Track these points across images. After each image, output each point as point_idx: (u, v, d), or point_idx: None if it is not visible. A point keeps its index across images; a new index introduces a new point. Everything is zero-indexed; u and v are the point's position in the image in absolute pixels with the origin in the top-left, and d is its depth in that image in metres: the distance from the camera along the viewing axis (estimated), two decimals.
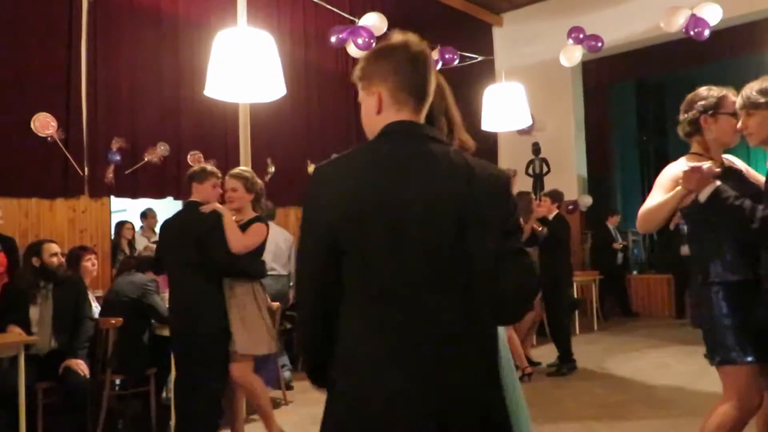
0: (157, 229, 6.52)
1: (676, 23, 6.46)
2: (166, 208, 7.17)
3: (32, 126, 5.51)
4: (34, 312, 4.00)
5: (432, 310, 1.35)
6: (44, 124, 5.59)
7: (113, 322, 4.16)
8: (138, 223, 7.48)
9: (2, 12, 5.47)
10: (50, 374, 3.95)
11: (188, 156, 6.56)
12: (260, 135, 7.14)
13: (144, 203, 7.35)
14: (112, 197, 6.16)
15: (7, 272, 4.54)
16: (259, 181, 3.90)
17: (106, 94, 6.07)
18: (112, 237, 6.41)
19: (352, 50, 6.28)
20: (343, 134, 7.86)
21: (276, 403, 4.79)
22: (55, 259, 4.04)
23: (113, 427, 4.34)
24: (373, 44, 5.96)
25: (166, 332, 4.29)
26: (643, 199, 2.62)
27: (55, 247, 4.08)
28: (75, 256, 4.43)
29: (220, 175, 3.83)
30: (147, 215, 7.58)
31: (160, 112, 6.44)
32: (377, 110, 1.48)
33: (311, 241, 1.43)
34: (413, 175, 1.39)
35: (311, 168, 7.43)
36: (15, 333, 3.80)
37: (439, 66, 7.17)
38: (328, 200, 1.40)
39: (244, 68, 3.86)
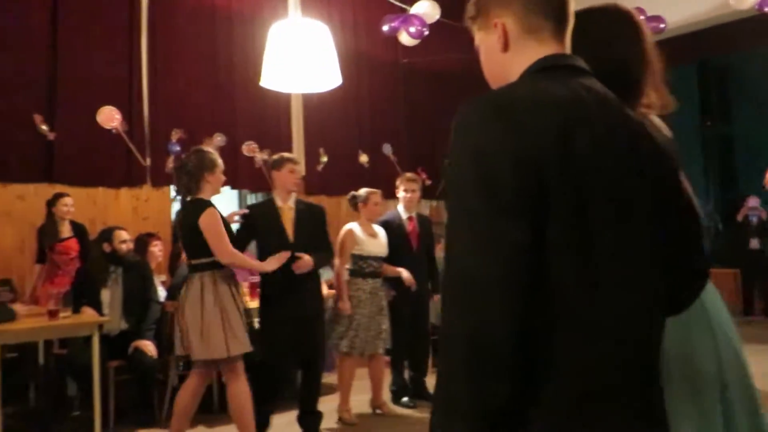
0: None
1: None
2: (223, 196, 7.36)
3: (97, 119, 5.77)
4: (105, 295, 4.23)
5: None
6: (109, 117, 5.83)
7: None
8: None
9: (69, 11, 5.73)
10: (120, 353, 4.17)
11: (243, 146, 6.74)
12: (313, 125, 7.31)
13: None
14: (172, 186, 6.39)
15: (79, 257, 4.79)
16: None
17: (166, 87, 6.29)
18: (173, 224, 6.65)
19: (404, 39, 6.32)
20: (394, 125, 7.93)
21: (331, 388, 4.92)
22: (124, 246, 4.25)
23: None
24: (426, 33, 6.00)
25: None
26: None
27: (124, 234, 4.29)
28: (142, 242, 4.64)
29: (297, 161, 3.94)
30: None
31: (216, 103, 6.63)
32: (503, 47, 1.12)
33: (499, 204, 0.90)
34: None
35: (363, 157, 7.55)
36: (89, 314, 4.02)
37: None
38: (529, 141, 0.92)
39: (299, 59, 3.96)
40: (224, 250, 3.34)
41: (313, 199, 7.31)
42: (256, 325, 4.92)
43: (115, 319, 4.17)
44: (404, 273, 4.45)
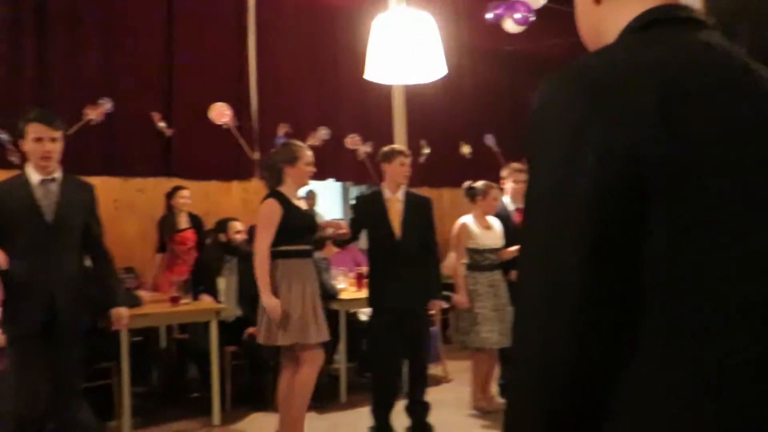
0: (318, 210, 6.91)
1: None
2: (327, 188, 7.52)
3: (210, 115, 6.03)
4: (221, 283, 4.41)
5: None
6: (220, 113, 6.08)
7: None
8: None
9: (183, 15, 6.01)
10: (236, 339, 4.34)
11: (346, 139, 6.84)
12: (415, 117, 7.30)
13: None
14: None
15: (196, 247, 5.03)
16: None
17: (272, 83, 6.48)
18: None
19: (509, 26, 6.19)
20: (497, 115, 7.79)
21: (436, 380, 4.91)
22: (238, 236, 4.41)
23: None
24: (531, 19, 5.84)
25: (334, 306, 4.57)
26: None
27: (238, 225, 4.46)
28: (255, 232, 4.80)
29: (408, 153, 3.96)
30: (309, 196, 8.00)
31: (321, 98, 6.77)
32: None
33: (576, 200, 0.72)
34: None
35: (465, 149, 7.47)
36: (207, 301, 4.21)
37: None
38: (622, 126, 0.72)
39: (403, 50, 3.96)
40: (258, 245, 3.42)
41: (414, 191, 7.34)
42: (363, 317, 5.02)
43: (231, 307, 4.34)
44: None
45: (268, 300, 3.31)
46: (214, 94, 6.08)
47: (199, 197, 5.91)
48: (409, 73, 4.19)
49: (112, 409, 3.91)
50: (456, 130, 7.56)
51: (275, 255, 3.40)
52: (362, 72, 4.05)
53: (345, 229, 3.81)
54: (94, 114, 5.53)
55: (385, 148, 4.03)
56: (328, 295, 4.48)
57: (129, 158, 5.77)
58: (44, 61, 5.43)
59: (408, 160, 3.92)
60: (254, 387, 4.50)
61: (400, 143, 7.30)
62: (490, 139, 7.66)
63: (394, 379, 3.91)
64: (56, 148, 2.90)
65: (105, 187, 4.84)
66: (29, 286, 2.81)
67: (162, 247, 5.17)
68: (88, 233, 3.03)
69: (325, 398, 4.54)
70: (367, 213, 3.87)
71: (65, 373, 2.89)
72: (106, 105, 5.61)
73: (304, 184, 3.63)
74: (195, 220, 5.13)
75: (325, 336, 3.45)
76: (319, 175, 6.83)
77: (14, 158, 5.28)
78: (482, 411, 4.32)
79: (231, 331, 4.36)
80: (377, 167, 6.95)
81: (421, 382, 3.95)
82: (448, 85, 7.31)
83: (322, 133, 6.65)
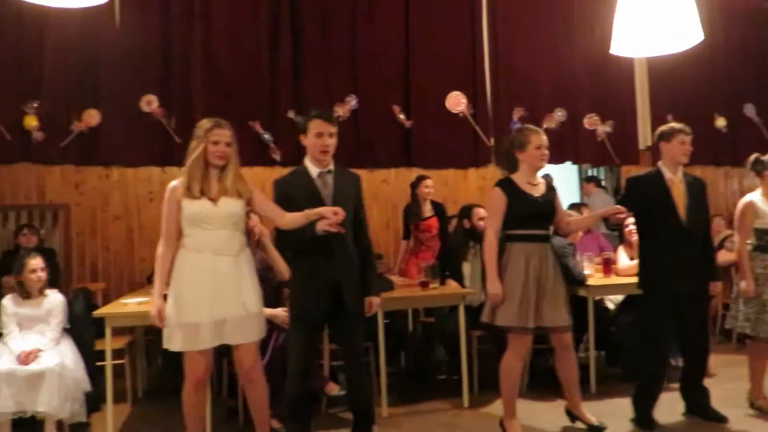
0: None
1: None
2: (562, 171, 7.28)
3: (446, 104, 6.18)
4: (465, 268, 4.50)
5: None
6: (456, 102, 6.20)
7: None
8: None
9: (418, 8, 6.22)
10: (482, 324, 4.38)
11: (584, 119, 6.56)
12: (659, 90, 6.76)
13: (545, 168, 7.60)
14: None
15: (439, 234, 5.20)
16: None
17: (506, 67, 6.44)
18: None
19: None
20: (758, 82, 6.90)
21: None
22: (482, 222, 4.45)
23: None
24: None
25: (581, 293, 4.41)
26: None
27: (482, 212, 4.50)
28: None
29: (689, 131, 3.70)
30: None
31: (556, 78, 6.56)
32: None
33: None
34: None
35: (720, 121, 6.76)
36: (453, 286, 4.32)
37: None
38: None
39: (655, 17, 3.66)
40: (486, 231, 3.47)
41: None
42: (610, 304, 4.78)
43: (476, 291, 4.40)
44: None
45: (491, 284, 3.40)
46: (449, 83, 6.22)
47: (438, 185, 6.09)
48: (661, 42, 3.89)
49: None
50: (707, 101, 6.85)
51: (506, 239, 3.43)
52: (599, 49, 3.85)
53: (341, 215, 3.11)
54: (342, 111, 5.98)
55: (664, 127, 3.78)
56: (576, 281, 4.34)
57: (373, 150, 6.13)
58: (299, 66, 5.98)
59: (689, 138, 3.64)
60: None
61: (643, 119, 6.83)
62: (750, 109, 6.82)
63: (664, 368, 3.73)
64: (333, 143, 3.12)
65: None
66: (316, 269, 3.08)
67: (406, 234, 5.42)
68: (356, 220, 3.21)
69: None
70: (646, 195, 3.65)
71: (353, 350, 3.25)
72: (352, 102, 6.03)
73: (538, 168, 3.51)
74: (438, 208, 5.30)
75: (546, 322, 3.36)
76: (557, 158, 6.67)
77: (276, 156, 5.93)
78: (762, 411, 3.87)
79: (477, 315, 4.41)
80: (616, 147, 6.60)
81: (701, 367, 3.73)
82: (698, 51, 6.59)
83: (559, 115, 6.45)
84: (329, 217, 2.91)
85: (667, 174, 3.61)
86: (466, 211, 4.60)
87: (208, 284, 2.84)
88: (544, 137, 3.49)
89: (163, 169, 5.77)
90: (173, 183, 2.97)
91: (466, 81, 6.32)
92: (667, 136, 3.66)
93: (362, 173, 6.13)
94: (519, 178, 3.48)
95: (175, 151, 5.42)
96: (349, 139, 5.96)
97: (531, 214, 3.42)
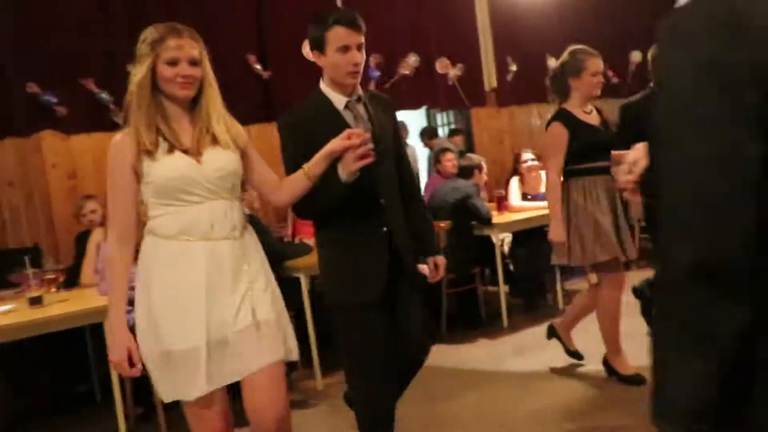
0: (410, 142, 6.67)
1: None
2: (413, 116, 7.28)
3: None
4: None
5: None
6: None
7: (442, 225, 4.38)
8: None
9: None
10: None
11: (436, 63, 6.58)
12: (500, 34, 6.98)
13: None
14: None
15: None
16: None
17: (362, 14, 6.15)
18: None
19: None
20: (583, 24, 7.40)
21: None
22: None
23: (451, 322, 4.62)
24: None
25: (486, 232, 4.50)
26: None
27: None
28: None
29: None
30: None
31: (408, 24, 6.45)
32: None
33: (740, 113, 0.76)
34: None
35: (552, 61, 7.17)
36: None
37: None
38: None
39: None
40: (548, 173, 3.31)
41: (504, 111, 7.13)
42: None
43: None
44: None
45: (554, 231, 3.20)
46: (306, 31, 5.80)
47: None
48: None
49: None
50: (541, 43, 7.18)
51: (569, 174, 3.21)
52: None
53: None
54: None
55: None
56: (484, 220, 4.41)
57: (233, 107, 5.55)
58: (139, 7, 5.13)
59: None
60: None
61: (487, 62, 7.03)
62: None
63: None
64: (363, 58, 2.29)
65: None
66: (368, 237, 2.33)
67: None
68: (398, 160, 2.46)
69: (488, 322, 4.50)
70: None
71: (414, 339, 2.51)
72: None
73: (593, 96, 3.22)
74: None
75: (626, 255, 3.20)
76: (414, 104, 6.65)
77: (118, 119, 5.10)
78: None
79: None
80: (465, 90, 6.73)
81: None
82: None
83: (413, 60, 6.39)
84: (348, 145, 2.06)
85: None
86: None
87: (202, 285, 1.85)
88: (601, 61, 3.19)
89: None
90: (117, 137, 1.89)
91: None
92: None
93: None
94: (573, 107, 3.20)
95: None
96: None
97: (596, 145, 3.16)
